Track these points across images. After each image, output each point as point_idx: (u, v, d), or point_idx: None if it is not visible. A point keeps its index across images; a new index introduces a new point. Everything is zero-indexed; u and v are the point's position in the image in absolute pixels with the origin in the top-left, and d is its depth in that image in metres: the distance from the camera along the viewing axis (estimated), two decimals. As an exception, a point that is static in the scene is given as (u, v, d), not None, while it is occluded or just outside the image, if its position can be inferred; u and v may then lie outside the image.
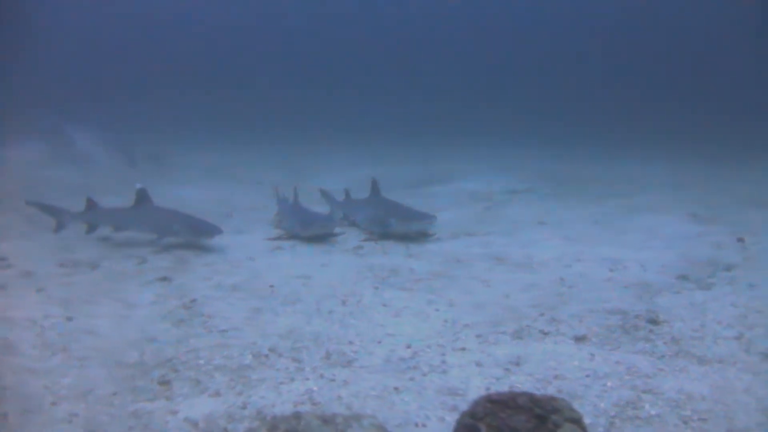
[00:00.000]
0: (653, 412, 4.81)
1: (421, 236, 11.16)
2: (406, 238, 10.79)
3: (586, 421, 4.52)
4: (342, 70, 64.31)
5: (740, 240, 11.04)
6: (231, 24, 63.43)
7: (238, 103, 45.78)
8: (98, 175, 18.45)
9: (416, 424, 4.61)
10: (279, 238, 10.70)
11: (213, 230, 10.15)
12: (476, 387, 5.19)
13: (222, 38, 61.33)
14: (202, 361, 5.69)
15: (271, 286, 7.98)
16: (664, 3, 64.34)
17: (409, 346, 6.12)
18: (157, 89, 47.18)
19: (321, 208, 13.18)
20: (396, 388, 5.14)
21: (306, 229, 10.62)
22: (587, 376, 5.40)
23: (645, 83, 59.87)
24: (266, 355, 5.86)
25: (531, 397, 3.69)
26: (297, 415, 3.88)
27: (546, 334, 6.52)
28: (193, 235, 10.14)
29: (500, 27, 72.03)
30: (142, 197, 10.52)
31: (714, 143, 33.24)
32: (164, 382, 5.25)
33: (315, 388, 5.14)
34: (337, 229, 11.38)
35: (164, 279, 8.20)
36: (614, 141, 34.81)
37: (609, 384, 5.25)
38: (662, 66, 62.63)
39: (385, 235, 10.92)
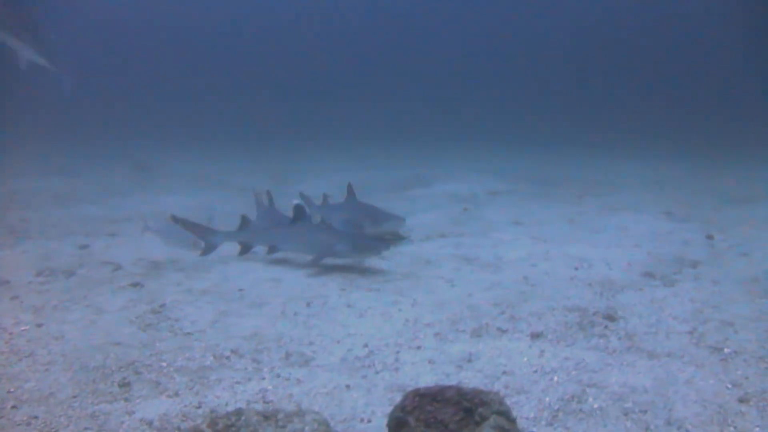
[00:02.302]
0: (596, 406, 4.97)
1: (395, 239, 11.33)
2: (381, 239, 10.95)
3: (530, 414, 4.74)
4: (330, 75, 64.44)
5: (709, 237, 11.23)
6: (219, 30, 63.56)
7: (230, 110, 45.95)
8: (83, 184, 18.62)
9: (361, 420, 4.77)
10: (254, 242, 10.83)
11: (380, 247, 9.26)
12: (425, 382, 5.35)
13: (211, 45, 61.49)
14: (164, 364, 5.82)
15: (241, 290, 8.12)
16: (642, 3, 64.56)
17: (366, 345, 6.27)
18: (146, 95, 47.32)
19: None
20: (347, 386, 5.31)
21: None
22: (535, 371, 5.57)
23: (626, 83, 60.24)
24: (227, 357, 6.00)
25: (458, 391, 3.86)
26: (238, 411, 4.03)
27: (504, 331, 6.69)
28: (358, 254, 9.29)
29: (482, 29, 72.24)
30: (300, 214, 9.59)
31: (695, 141, 33.53)
32: (124, 385, 5.38)
33: (269, 387, 5.30)
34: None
35: (136, 285, 8.30)
36: (596, 141, 35.10)
37: (556, 379, 5.42)
38: (642, 66, 62.98)
39: (360, 237, 11.09)
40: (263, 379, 5.50)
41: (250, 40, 67.65)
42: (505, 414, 3.83)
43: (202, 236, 9.75)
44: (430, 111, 51.38)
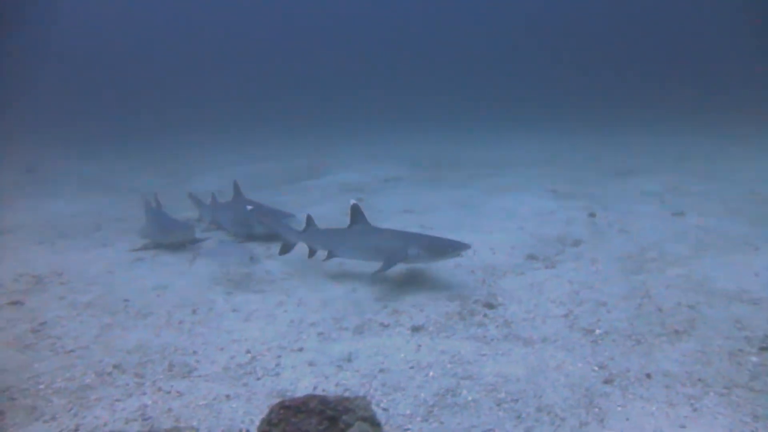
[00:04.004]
0: (470, 398, 5.15)
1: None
2: (269, 238, 10.93)
3: (406, 411, 4.86)
4: (222, 66, 63.50)
5: (591, 215, 11.60)
6: (106, 25, 61.87)
7: (118, 108, 44.83)
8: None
9: (240, 430, 4.82)
10: (143, 248, 10.66)
11: (459, 247, 8.12)
12: (305, 387, 5.44)
13: (99, 40, 59.80)
14: (42, 386, 5.70)
15: (126, 301, 7.99)
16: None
17: (248, 352, 6.30)
18: (34, 91, 45.72)
19: (192, 212, 13.24)
20: (227, 396, 5.34)
21: (166, 236, 10.62)
22: (411, 367, 5.71)
23: (518, 61, 61.25)
24: (109, 373, 5.94)
25: (322, 400, 3.94)
26: (107, 437, 4.03)
27: (386, 326, 6.83)
28: (436, 257, 8.19)
29: (375, 14, 72.28)
30: (356, 216, 8.71)
31: (587, 115, 34.44)
32: (-2, 414, 5.28)
33: (149, 403, 5.27)
34: (202, 234, 11.48)
35: (16, 303, 8.05)
36: (490, 120, 35.56)
37: (431, 374, 5.58)
38: (530, 44, 64.23)
39: (250, 236, 11.06)
40: (144, 394, 5.47)
41: (142, 35, 66.15)
42: (369, 419, 3.93)
43: (285, 236, 9.53)
44: (324, 99, 51.24)
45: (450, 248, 8.04)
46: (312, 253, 9.05)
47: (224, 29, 68.83)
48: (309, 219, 9.20)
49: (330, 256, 8.66)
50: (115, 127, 36.20)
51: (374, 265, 8.21)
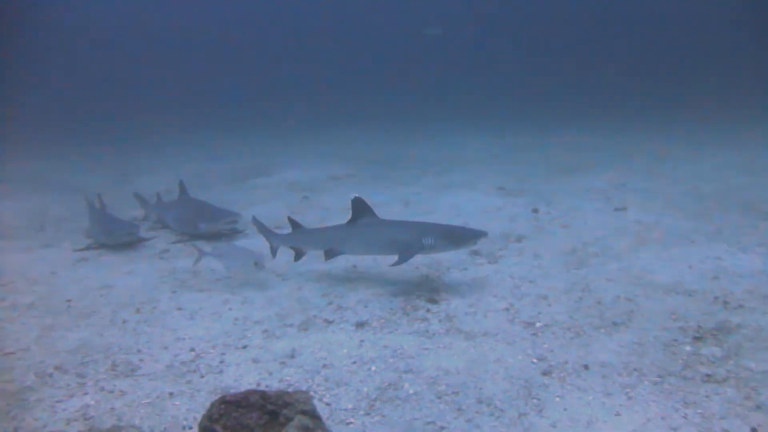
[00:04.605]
0: (411, 391, 5.22)
1: (231, 234, 11.32)
2: (214, 237, 10.92)
3: (349, 406, 4.92)
4: (164, 64, 62.77)
5: (535, 211, 11.77)
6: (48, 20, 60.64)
7: (63, 102, 44.04)
8: None
9: (183, 427, 4.82)
10: (88, 248, 10.56)
11: (477, 235, 7.92)
12: (248, 383, 5.46)
13: (40, 36, 58.58)
14: (-20, 390, 5.65)
15: (68, 301, 7.90)
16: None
17: (193, 350, 6.30)
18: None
19: (138, 211, 13.14)
20: (171, 394, 5.34)
21: (110, 236, 10.54)
22: (354, 362, 5.77)
23: (467, 59, 61.65)
24: (50, 374, 5.88)
25: (262, 395, 3.97)
26: (46, 436, 4.02)
27: (330, 322, 6.88)
28: (452, 246, 7.93)
29: (323, 16, 72.20)
30: (361, 209, 8.30)
31: (537, 114, 34.84)
32: (-68, 424, 5.20)
33: (91, 403, 5.24)
34: (148, 234, 11.41)
35: (-46, 307, 7.95)
36: (440, 119, 35.73)
37: (374, 368, 5.64)
38: (479, 40, 64.72)
39: (196, 235, 11.01)
40: (86, 394, 5.43)
41: (99, 33, 65.01)
42: (310, 413, 3.97)
43: (267, 237, 9.06)
44: (273, 99, 50.98)
45: (467, 237, 7.90)
46: (299, 256, 8.66)
47: (175, 28, 68.05)
48: (292, 221, 8.87)
49: (331, 255, 8.20)
50: (67, 125, 35.59)
51: (379, 259, 8.45)
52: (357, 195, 8.32)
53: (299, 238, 8.72)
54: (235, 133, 33.45)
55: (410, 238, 7.79)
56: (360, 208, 8.21)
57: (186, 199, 12.10)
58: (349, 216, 8.33)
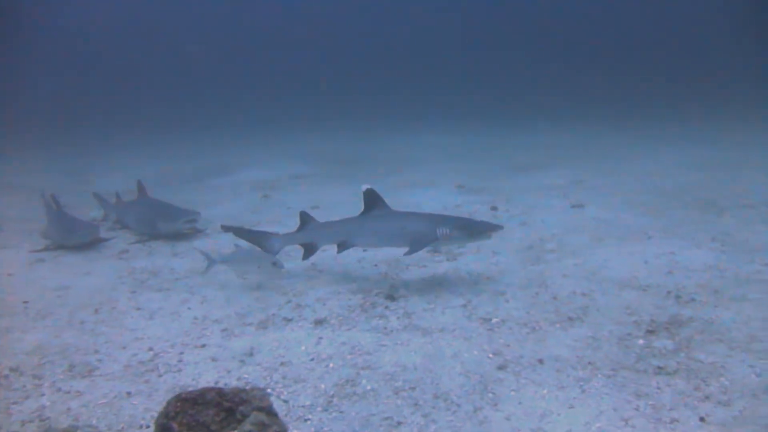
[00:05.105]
0: (369, 387, 5.26)
1: (191, 233, 11.27)
2: (174, 236, 10.88)
3: (306, 402, 4.95)
4: (122, 63, 62.12)
5: (493, 208, 11.87)
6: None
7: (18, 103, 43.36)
8: None
9: (140, 426, 4.81)
10: (45, 249, 10.46)
11: (493, 228, 7.92)
12: (207, 382, 5.47)
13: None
14: (-65, 393, 5.60)
15: (25, 302, 7.82)
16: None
17: (151, 349, 6.28)
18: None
19: (97, 211, 13.04)
20: (128, 393, 5.33)
21: (70, 237, 10.45)
22: (312, 359, 5.81)
23: (430, 59, 61.84)
24: (6, 376, 5.82)
25: (219, 392, 3.99)
26: (1, 437, 4.00)
27: (289, 320, 6.90)
28: (468, 238, 7.92)
29: (286, 15, 72.04)
30: (373, 201, 8.08)
31: (500, 113, 35.08)
32: None
33: (47, 404, 5.21)
34: (107, 234, 11.34)
35: None
36: (403, 119, 35.82)
37: (331, 365, 5.68)
38: (443, 42, 64.96)
39: (155, 235, 10.96)
40: (42, 395, 5.40)
41: (60, 34, 64.10)
42: (266, 410, 3.99)
43: (258, 243, 8.48)
44: (238, 97, 50.77)
45: (483, 229, 7.88)
46: (309, 252, 8.33)
47: (136, 27, 67.40)
48: (304, 216, 8.44)
49: (343, 247, 8.03)
50: (24, 124, 35.06)
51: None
52: (369, 186, 8.15)
53: (311, 233, 8.37)
54: (198, 133, 33.26)
55: (426, 229, 7.72)
56: (372, 200, 8.06)
57: (145, 199, 12.04)
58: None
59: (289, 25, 70.74)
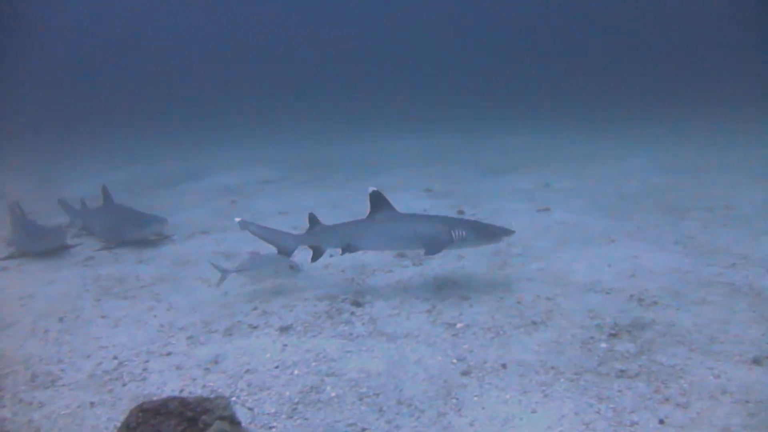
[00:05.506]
0: (333, 394, 5.28)
1: (158, 239, 11.20)
2: (140, 243, 10.82)
3: (271, 410, 4.96)
4: (88, 65, 61.60)
5: (460, 212, 11.94)
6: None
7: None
8: None
9: (103, 436, 4.81)
10: (9, 257, 10.36)
11: (504, 232, 7.87)
12: (171, 390, 5.46)
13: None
14: None
15: (-12, 312, 7.78)
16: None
17: (116, 358, 6.25)
18: None
19: (62, 218, 12.93)
20: (91, 403, 5.30)
21: (35, 244, 10.37)
22: (277, 367, 5.81)
23: (400, 61, 62.00)
24: (-33, 387, 5.80)
25: (181, 401, 3.99)
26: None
27: (255, 327, 6.89)
28: (483, 240, 7.82)
29: (257, 20, 71.87)
30: (379, 204, 7.90)
31: (469, 116, 35.24)
32: None
33: (8, 416, 5.17)
34: (72, 241, 11.25)
35: None
36: (372, 123, 35.87)
37: (296, 372, 5.69)
38: (414, 44, 65.15)
39: (121, 242, 10.89)
40: (3, 407, 5.35)
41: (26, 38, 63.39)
42: (229, 418, 4.00)
43: (274, 242, 8.40)
44: (207, 101, 50.57)
45: (496, 233, 7.81)
46: (317, 255, 8.19)
47: (106, 32, 66.92)
48: (312, 218, 8.27)
49: (348, 250, 7.89)
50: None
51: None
52: (374, 188, 7.92)
53: (318, 235, 8.24)
54: (167, 138, 33.10)
55: (439, 232, 7.59)
56: (378, 202, 7.87)
57: (111, 205, 11.96)
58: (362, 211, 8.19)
59: (259, 29, 70.61)
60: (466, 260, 9.09)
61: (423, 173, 17.94)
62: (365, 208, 7.83)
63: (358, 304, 7.40)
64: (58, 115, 40.86)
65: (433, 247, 7.50)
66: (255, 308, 7.47)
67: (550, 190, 14.47)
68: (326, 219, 9.98)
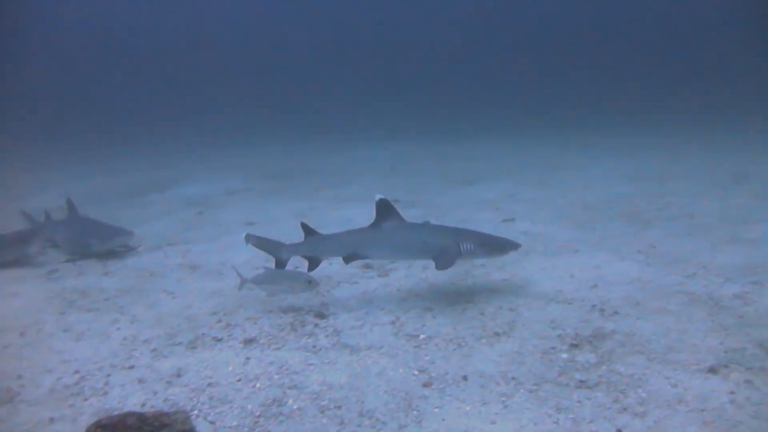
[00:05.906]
0: (295, 407, 5.30)
1: (123, 251, 11.15)
2: (105, 255, 10.77)
3: (233, 423, 4.98)
4: (54, 73, 61.06)
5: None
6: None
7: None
8: None
9: (63, 453, 4.79)
10: (-25, 268, 10.27)
11: (511, 246, 7.88)
12: (133, 404, 5.44)
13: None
14: None
15: (-54, 327, 7.68)
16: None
17: (77, 372, 6.22)
18: None
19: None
20: (51, 419, 5.27)
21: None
22: (239, 380, 5.82)
23: (367, 70, 62.13)
24: (-77, 405, 5.73)
25: (139, 417, 4.00)
26: None
27: (218, 340, 6.88)
28: (498, 254, 7.90)
29: (225, 31, 71.78)
30: (386, 211, 7.84)
31: (436, 127, 35.41)
32: None
33: (-38, 435, 5.15)
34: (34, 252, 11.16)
35: None
36: (339, 133, 35.96)
37: (258, 385, 5.70)
38: (384, 53, 65.35)
39: (86, 254, 10.83)
40: (-42, 426, 5.33)
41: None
42: (188, 433, 4.02)
43: (270, 251, 8.35)
44: (168, 110, 50.34)
45: (504, 246, 7.81)
46: (314, 265, 8.08)
47: (68, 41, 66.40)
48: (306, 227, 8.21)
49: (352, 259, 7.81)
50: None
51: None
52: (381, 196, 7.84)
53: (315, 245, 8.17)
54: (132, 148, 32.91)
55: (448, 243, 7.53)
56: (385, 211, 7.80)
57: (76, 217, 11.89)
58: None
59: (225, 42, 70.50)
60: (430, 271, 9.12)
61: (391, 183, 18.05)
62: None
63: (322, 316, 7.42)
64: (20, 123, 40.37)
65: (444, 262, 7.41)
66: (219, 321, 7.46)
67: (516, 200, 14.60)
68: (294, 229, 9.96)
